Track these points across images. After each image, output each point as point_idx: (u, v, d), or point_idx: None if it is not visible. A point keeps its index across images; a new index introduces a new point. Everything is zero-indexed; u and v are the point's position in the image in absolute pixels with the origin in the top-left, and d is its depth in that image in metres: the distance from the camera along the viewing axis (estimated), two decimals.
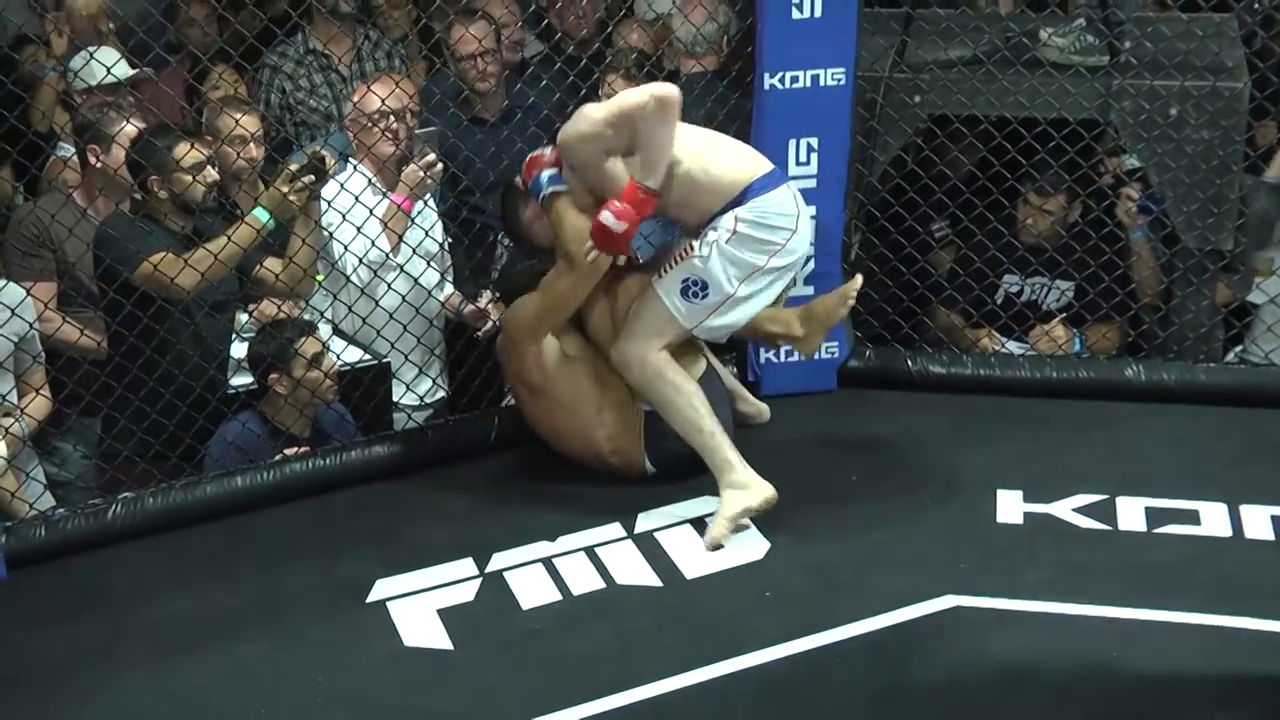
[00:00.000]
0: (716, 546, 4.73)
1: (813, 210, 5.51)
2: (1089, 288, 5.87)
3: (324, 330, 5.49)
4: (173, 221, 5.16)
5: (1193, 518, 4.86)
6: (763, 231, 4.83)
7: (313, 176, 5.07)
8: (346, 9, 6.41)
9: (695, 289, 4.87)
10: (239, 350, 5.44)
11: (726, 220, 4.82)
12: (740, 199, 4.84)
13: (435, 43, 6.19)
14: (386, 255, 5.55)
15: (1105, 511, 4.91)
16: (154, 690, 4.20)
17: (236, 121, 5.55)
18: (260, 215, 5.06)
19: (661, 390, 4.91)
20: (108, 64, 5.73)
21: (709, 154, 4.90)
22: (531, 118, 6.00)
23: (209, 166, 5.18)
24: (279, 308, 5.56)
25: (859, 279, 5.10)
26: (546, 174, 4.91)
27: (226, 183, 5.59)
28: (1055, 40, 5.78)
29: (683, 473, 5.01)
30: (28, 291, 5.26)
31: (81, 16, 6.41)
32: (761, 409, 5.56)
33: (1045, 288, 5.96)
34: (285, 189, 5.04)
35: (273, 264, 5.38)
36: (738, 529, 4.77)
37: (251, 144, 5.62)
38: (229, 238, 5.01)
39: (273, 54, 6.39)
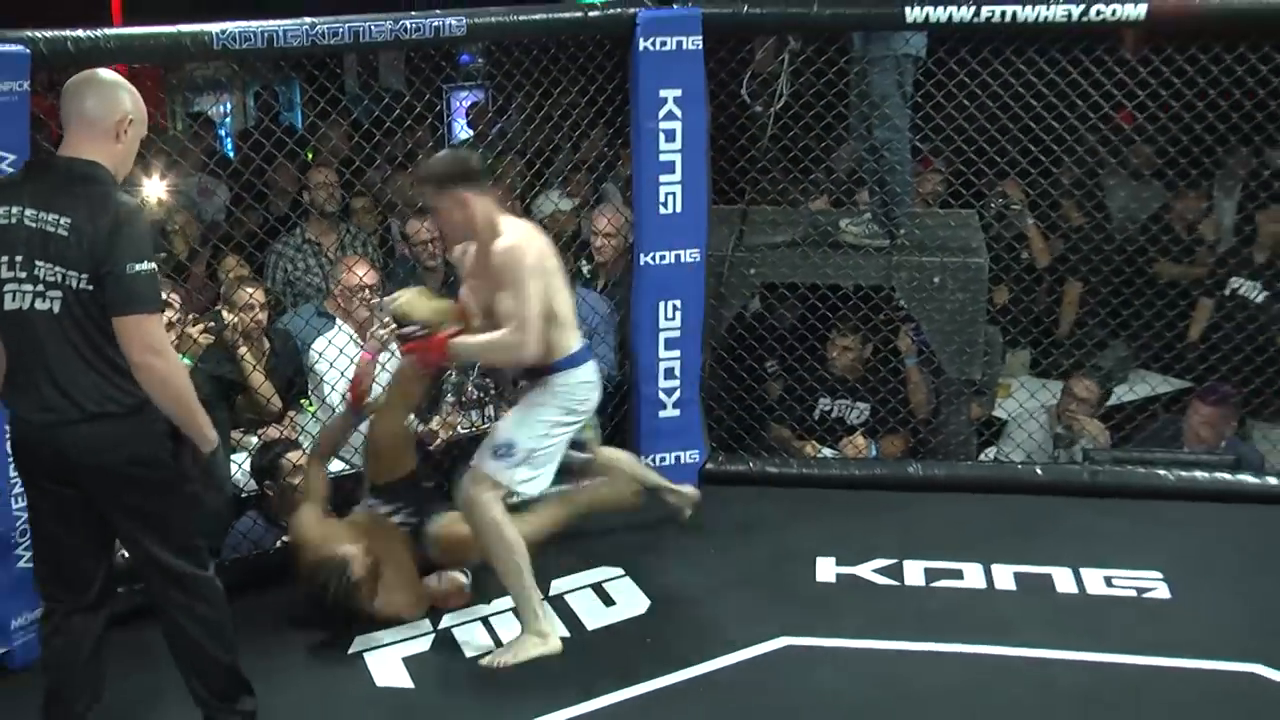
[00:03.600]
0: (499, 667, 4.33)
1: (677, 353, 5.61)
2: (880, 408, 5.96)
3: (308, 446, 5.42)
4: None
5: (958, 575, 4.91)
6: (573, 401, 4.40)
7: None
8: (331, 210, 6.42)
9: (502, 450, 4.32)
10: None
11: (546, 391, 4.36)
12: (556, 366, 4.36)
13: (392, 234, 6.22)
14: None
15: (895, 571, 4.94)
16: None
17: (250, 294, 5.54)
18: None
19: (499, 539, 4.33)
20: None
21: (565, 315, 4.36)
22: None
23: None
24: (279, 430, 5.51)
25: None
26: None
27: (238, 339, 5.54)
28: (851, 228, 5.86)
29: None
30: None
31: (155, 217, 6.32)
32: (687, 495, 5.26)
33: (849, 408, 6.03)
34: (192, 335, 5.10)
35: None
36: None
37: (258, 309, 5.59)
38: None
39: (278, 243, 6.40)
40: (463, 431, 5.85)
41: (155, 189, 6.28)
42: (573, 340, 4.39)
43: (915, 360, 5.94)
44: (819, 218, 6.17)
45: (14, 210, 3.38)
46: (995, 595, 4.78)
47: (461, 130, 8.79)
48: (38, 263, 3.36)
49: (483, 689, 4.25)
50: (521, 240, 4.24)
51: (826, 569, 4.97)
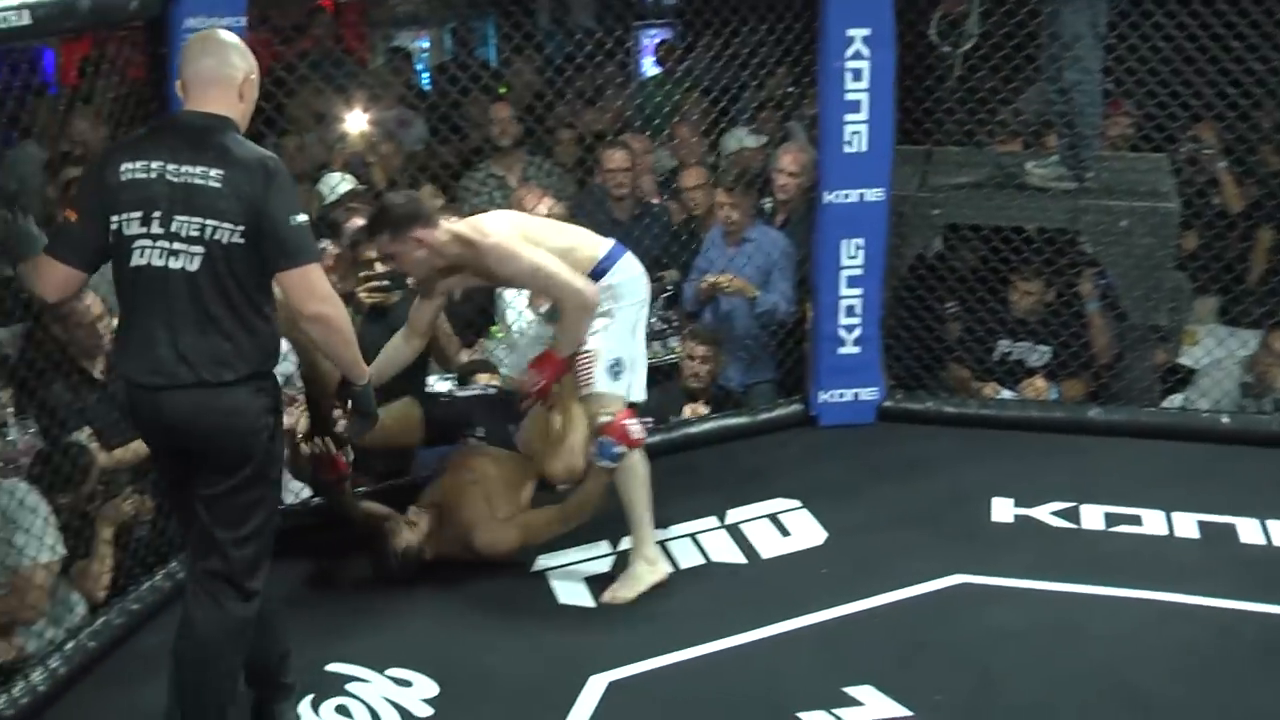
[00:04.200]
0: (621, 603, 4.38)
1: (858, 291, 5.58)
2: (1061, 351, 5.86)
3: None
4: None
5: (1137, 520, 4.83)
6: (633, 295, 4.44)
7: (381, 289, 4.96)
8: (506, 144, 6.48)
9: (615, 368, 4.38)
10: None
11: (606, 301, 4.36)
12: (596, 273, 4.37)
13: (586, 167, 6.28)
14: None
15: (1073, 514, 4.89)
16: (382, 630, 4.26)
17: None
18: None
19: (632, 467, 4.39)
20: (333, 185, 5.87)
21: (570, 242, 4.41)
22: (652, 220, 6.08)
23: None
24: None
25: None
26: (618, 448, 4.34)
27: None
28: (1037, 170, 5.75)
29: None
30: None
31: (355, 150, 6.52)
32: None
33: (1030, 350, 5.93)
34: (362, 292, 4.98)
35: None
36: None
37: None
38: None
39: (465, 177, 6.49)
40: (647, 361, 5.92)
41: (357, 121, 6.43)
42: (596, 249, 4.43)
43: (1098, 305, 5.82)
44: (1004, 159, 6.06)
45: (154, 165, 3.23)
46: (1176, 543, 4.70)
47: (649, 67, 8.80)
48: (178, 218, 3.19)
49: (659, 612, 4.33)
50: (483, 230, 4.30)
51: (1003, 509, 4.94)
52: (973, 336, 5.96)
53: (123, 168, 3.24)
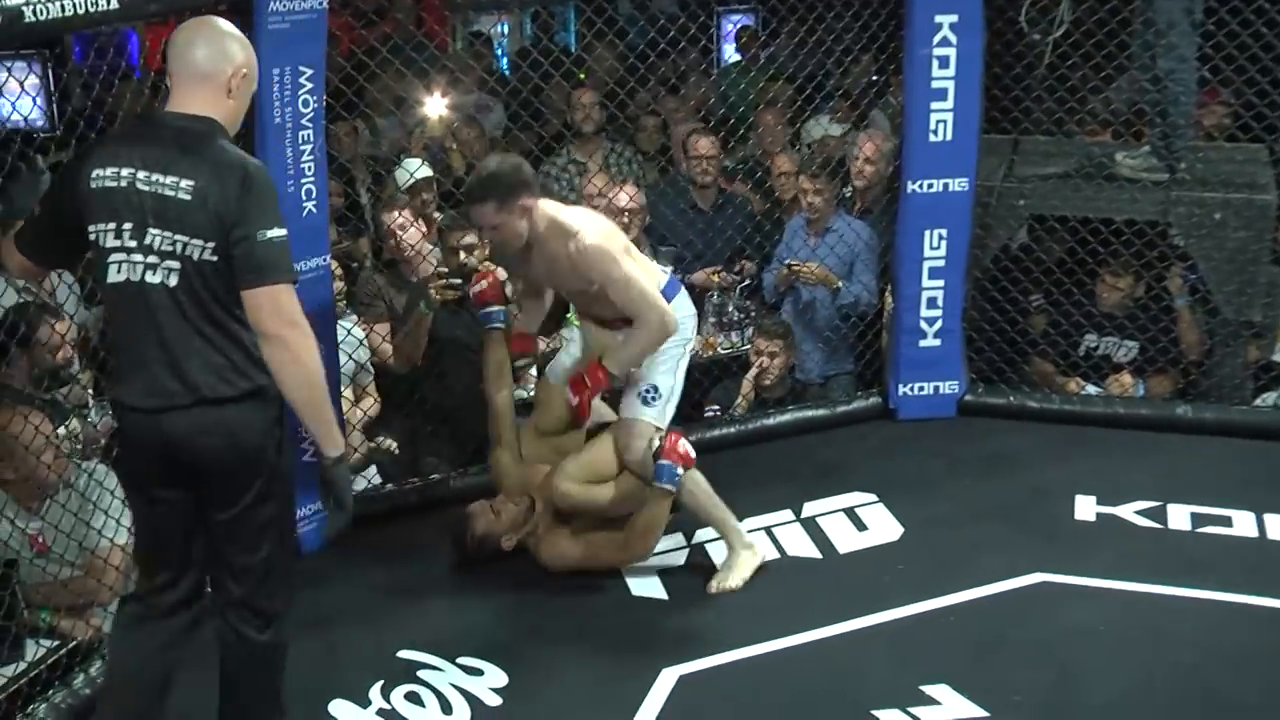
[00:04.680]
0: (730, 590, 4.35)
1: (940, 282, 5.53)
2: (1149, 346, 5.76)
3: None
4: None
5: (1226, 521, 4.74)
6: (681, 332, 4.32)
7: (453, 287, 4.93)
8: (588, 130, 6.48)
9: (649, 395, 4.32)
10: None
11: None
12: None
13: (669, 155, 6.27)
14: None
15: (1159, 514, 4.81)
16: (454, 619, 4.29)
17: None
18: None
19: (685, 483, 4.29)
20: (412, 170, 5.85)
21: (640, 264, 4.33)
22: (735, 210, 6.06)
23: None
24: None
25: None
26: (678, 470, 4.24)
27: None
28: (1127, 161, 5.67)
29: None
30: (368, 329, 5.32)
31: (434, 135, 6.54)
32: None
33: (1117, 345, 5.85)
34: (435, 290, 4.95)
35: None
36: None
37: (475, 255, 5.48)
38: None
39: (546, 163, 6.50)
40: (723, 351, 5.92)
41: (436, 105, 6.45)
42: (658, 279, 4.32)
43: (1187, 300, 5.72)
44: (1094, 149, 5.96)
45: (124, 172, 3.02)
46: (1268, 545, 4.60)
47: (730, 54, 8.77)
48: (151, 230, 3.00)
49: (732, 605, 4.31)
50: (591, 232, 4.16)
51: (1086, 507, 4.87)
52: (1057, 330, 5.88)
53: (94, 174, 3.06)
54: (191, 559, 3.23)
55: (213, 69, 3.09)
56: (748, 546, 4.46)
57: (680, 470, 4.24)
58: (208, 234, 2.99)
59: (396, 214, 5.51)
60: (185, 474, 3.11)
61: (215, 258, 3.00)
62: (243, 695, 3.31)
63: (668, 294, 4.29)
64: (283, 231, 3.03)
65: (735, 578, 4.39)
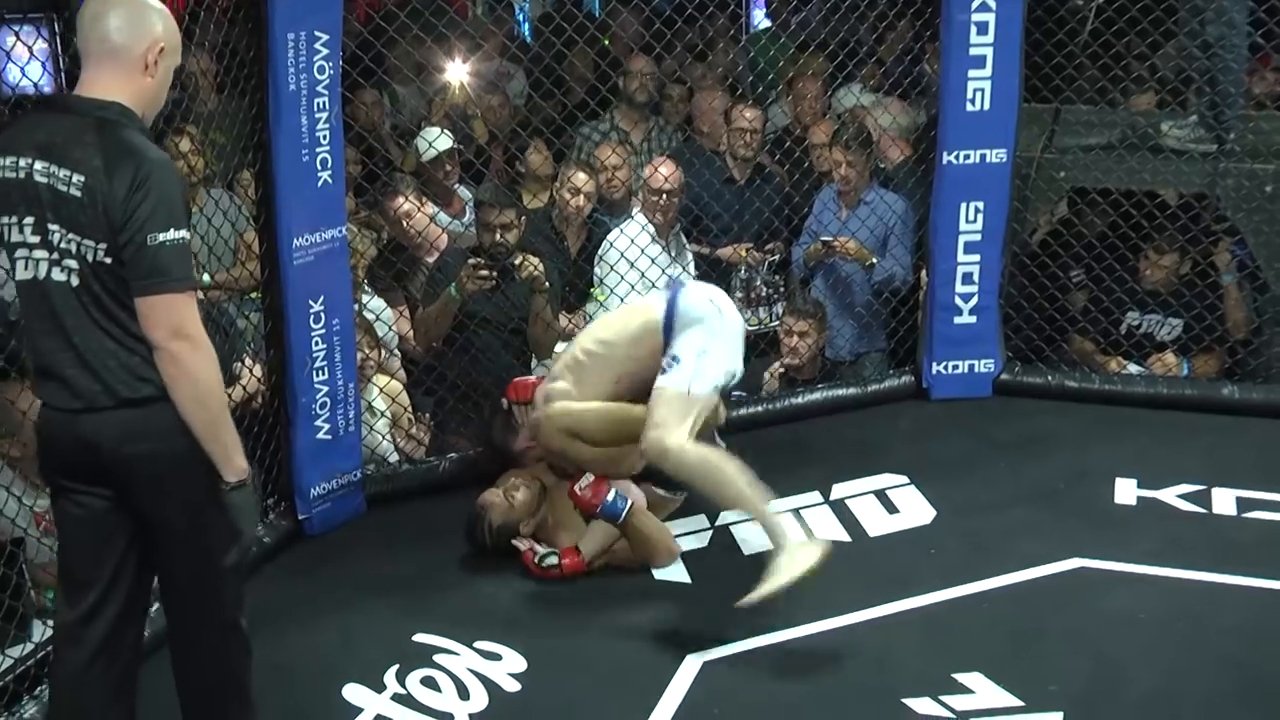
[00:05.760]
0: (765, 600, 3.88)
1: (977, 257, 5.46)
2: (1195, 324, 5.68)
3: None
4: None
5: (1274, 506, 4.67)
6: (698, 333, 4.19)
7: (486, 273, 4.90)
8: (641, 99, 6.41)
9: (668, 364, 4.15)
10: None
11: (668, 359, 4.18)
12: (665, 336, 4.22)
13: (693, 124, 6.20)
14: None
15: (1203, 498, 4.75)
16: (471, 601, 4.26)
17: (569, 179, 5.61)
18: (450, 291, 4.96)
19: (715, 471, 4.05)
20: (431, 140, 5.80)
21: (635, 324, 4.33)
22: (765, 183, 5.99)
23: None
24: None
25: None
26: (617, 500, 4.22)
27: (559, 224, 5.65)
28: (1174, 131, 5.60)
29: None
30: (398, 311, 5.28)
31: (455, 102, 6.48)
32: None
33: (1160, 323, 5.77)
34: (465, 276, 4.91)
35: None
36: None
37: (582, 195, 5.61)
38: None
39: (584, 127, 6.42)
40: (750, 328, 5.84)
41: (457, 73, 6.39)
42: (652, 312, 4.28)
43: (1234, 276, 5.64)
44: (1139, 119, 5.88)
45: (21, 163, 2.81)
46: None
47: (760, 19, 8.66)
48: (51, 226, 2.80)
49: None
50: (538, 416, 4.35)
51: (1127, 490, 4.81)
52: (1099, 307, 5.80)
53: None
54: (117, 583, 2.98)
55: (127, 42, 2.85)
56: (789, 551, 3.94)
57: (624, 506, 4.20)
58: (99, 235, 2.78)
59: (402, 200, 5.46)
60: (110, 479, 2.92)
61: (109, 259, 2.80)
62: (209, 701, 3.13)
63: (672, 311, 4.21)
64: (180, 234, 2.79)
65: (786, 577, 3.87)
